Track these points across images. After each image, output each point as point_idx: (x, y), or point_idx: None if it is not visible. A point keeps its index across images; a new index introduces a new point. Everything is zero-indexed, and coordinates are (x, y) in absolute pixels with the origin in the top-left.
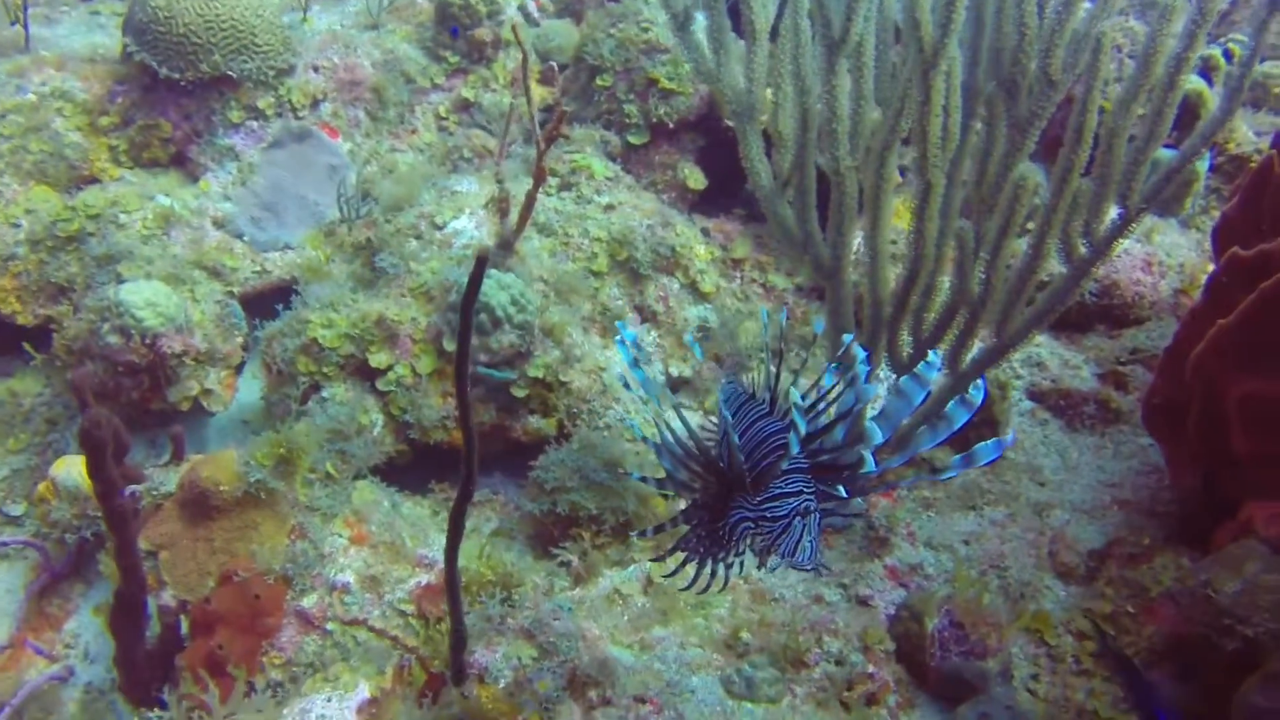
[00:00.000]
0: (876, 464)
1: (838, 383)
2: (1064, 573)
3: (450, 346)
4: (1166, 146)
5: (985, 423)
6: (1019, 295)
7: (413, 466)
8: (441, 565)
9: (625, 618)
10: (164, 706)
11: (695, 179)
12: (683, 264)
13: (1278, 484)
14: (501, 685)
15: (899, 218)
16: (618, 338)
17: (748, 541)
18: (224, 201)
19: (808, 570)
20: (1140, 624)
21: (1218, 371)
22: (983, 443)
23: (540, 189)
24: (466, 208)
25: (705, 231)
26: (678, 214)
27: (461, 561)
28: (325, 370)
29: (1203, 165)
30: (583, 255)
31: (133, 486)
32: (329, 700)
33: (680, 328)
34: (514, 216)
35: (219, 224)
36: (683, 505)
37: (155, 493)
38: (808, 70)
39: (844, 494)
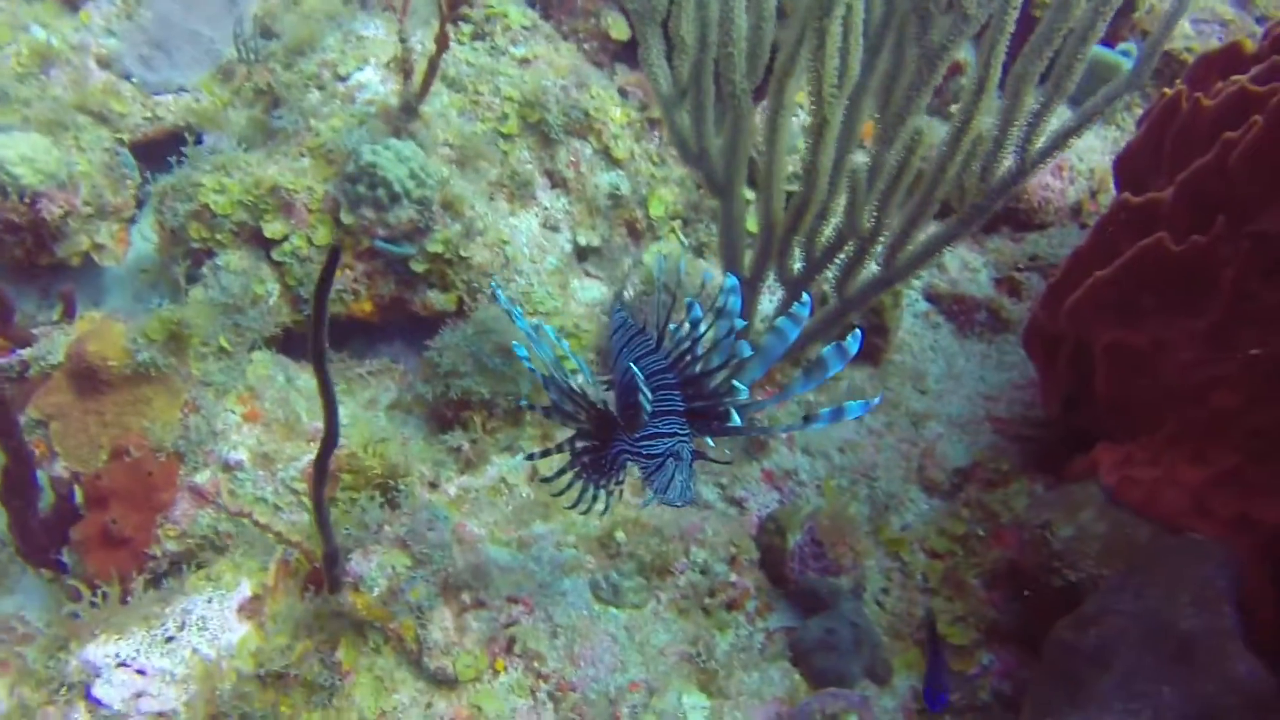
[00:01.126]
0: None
1: (709, 316)
2: (929, 487)
3: (348, 220)
4: (1103, 44)
5: (876, 329)
6: (908, 235)
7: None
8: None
9: (509, 508)
10: (64, 569)
11: (619, 28)
12: (596, 128)
13: (1129, 428)
14: (376, 593)
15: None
16: (493, 296)
17: (626, 470)
18: (108, 37)
19: (678, 506)
20: (988, 547)
21: (1090, 318)
22: (852, 402)
23: (444, 52)
24: (372, 57)
25: (623, 91)
26: (595, 72)
27: (352, 448)
28: (219, 237)
29: (1126, 63)
30: (492, 116)
31: (20, 352)
32: (209, 601)
33: (591, 194)
34: (418, 79)
35: (104, 63)
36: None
37: (43, 362)
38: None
39: (737, 423)
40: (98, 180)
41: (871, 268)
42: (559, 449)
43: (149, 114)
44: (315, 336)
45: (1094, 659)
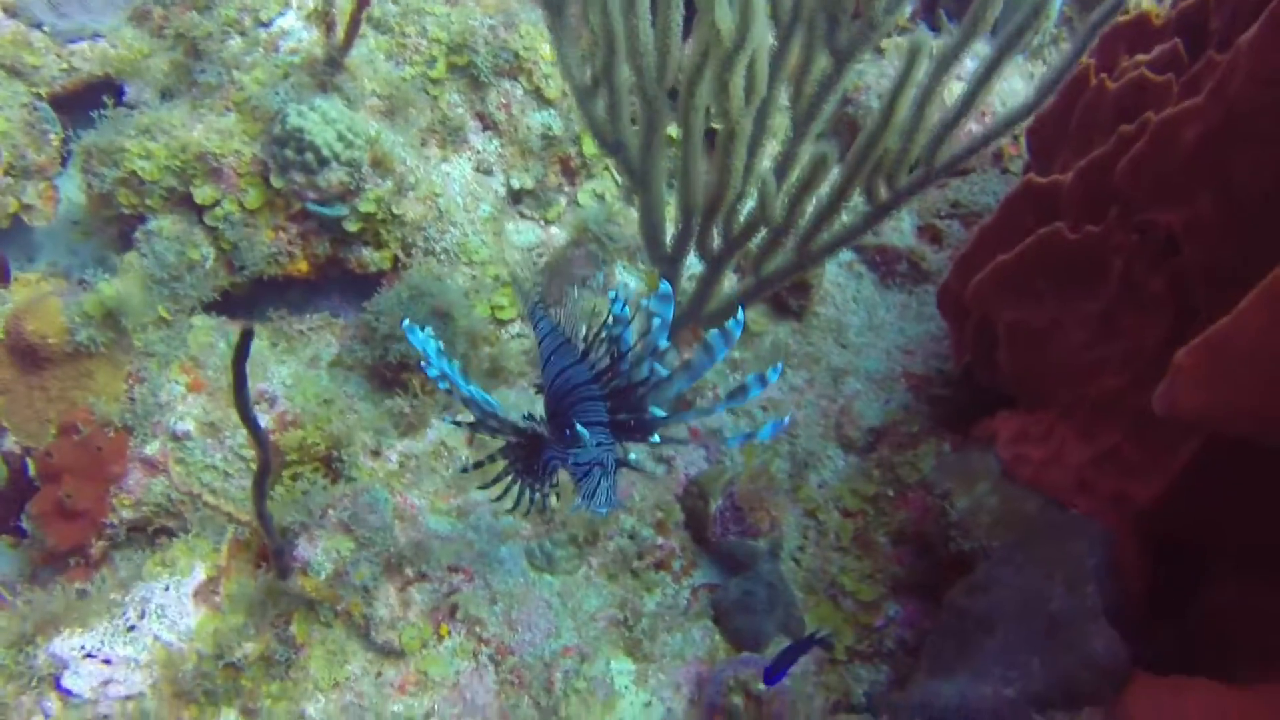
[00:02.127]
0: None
1: (636, 322)
2: (846, 444)
3: (278, 183)
4: None
5: (799, 286)
6: (818, 229)
7: (248, 297)
8: (282, 401)
9: (449, 472)
10: (24, 534)
11: None
12: (526, 68)
13: (1028, 398)
14: (323, 577)
15: None
16: (411, 336)
17: (557, 476)
18: None
19: (602, 514)
20: (895, 507)
21: (993, 298)
22: (766, 424)
23: (366, 7)
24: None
25: None
26: (524, 7)
27: (294, 409)
28: (148, 203)
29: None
30: (420, 59)
31: None
32: (166, 588)
33: (523, 135)
34: (341, 31)
35: (10, 10)
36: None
37: None
38: (608, 6)
39: (657, 440)
40: (18, 139)
41: (787, 250)
42: (493, 458)
43: (65, 65)
44: (240, 397)
45: (981, 623)
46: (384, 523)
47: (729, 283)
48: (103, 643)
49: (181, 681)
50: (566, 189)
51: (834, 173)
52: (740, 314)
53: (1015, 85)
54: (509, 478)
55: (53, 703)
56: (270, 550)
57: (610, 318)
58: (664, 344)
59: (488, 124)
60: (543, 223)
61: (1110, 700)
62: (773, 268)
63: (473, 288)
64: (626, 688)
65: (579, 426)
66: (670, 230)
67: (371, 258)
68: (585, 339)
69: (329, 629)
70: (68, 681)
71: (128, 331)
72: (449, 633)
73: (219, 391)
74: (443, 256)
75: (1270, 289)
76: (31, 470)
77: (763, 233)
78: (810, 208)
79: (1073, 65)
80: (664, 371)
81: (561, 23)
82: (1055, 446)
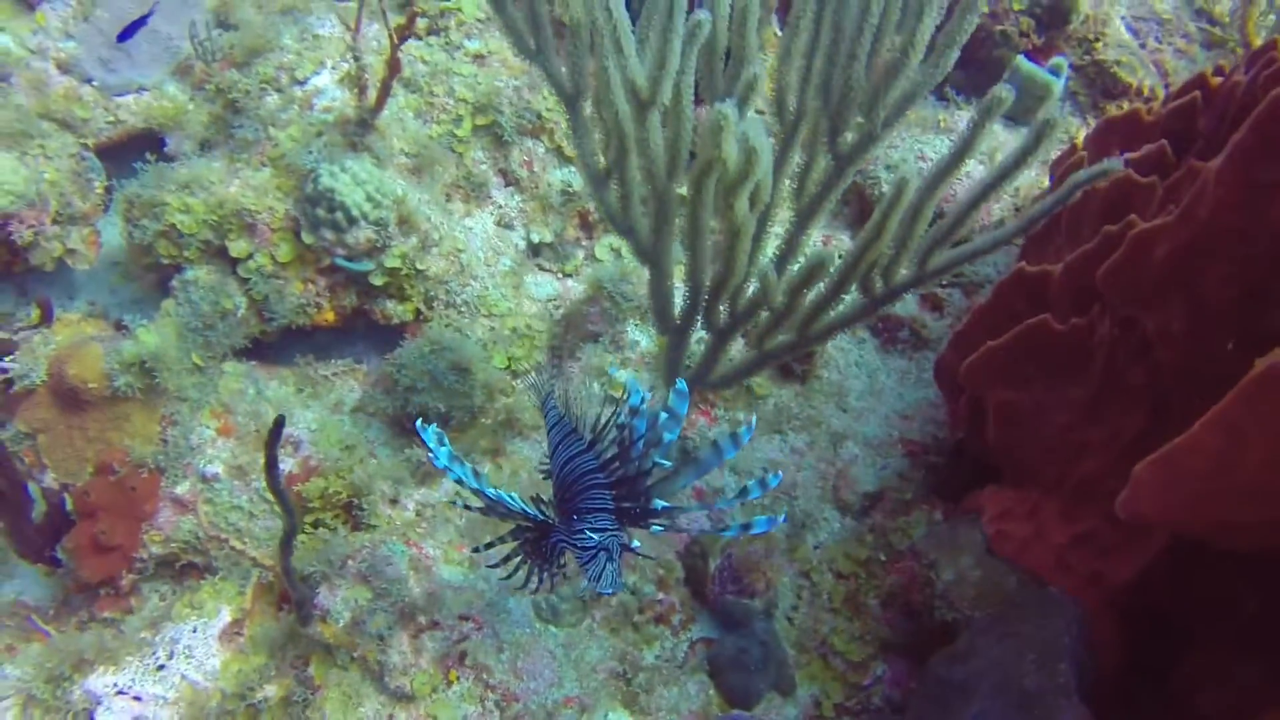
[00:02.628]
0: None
1: (638, 422)
2: (842, 507)
3: (309, 240)
4: (1032, 60)
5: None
6: (816, 316)
7: (277, 345)
8: (306, 445)
9: (462, 521)
10: (59, 564)
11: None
12: (548, 128)
13: (1014, 475)
14: (341, 625)
15: None
16: (418, 426)
17: (564, 558)
18: (66, 40)
19: (608, 594)
20: (886, 572)
21: (983, 378)
22: (760, 516)
23: (397, 75)
24: (328, 59)
25: None
26: None
27: (319, 454)
28: (186, 254)
29: (1057, 83)
30: (448, 118)
31: (3, 362)
32: (194, 630)
33: (544, 191)
34: (372, 95)
35: (64, 67)
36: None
37: (26, 380)
38: (620, 114)
39: (659, 530)
40: (66, 188)
41: (788, 330)
42: (503, 539)
43: (111, 118)
44: (270, 474)
45: (960, 691)
46: (399, 574)
47: (736, 348)
48: (133, 680)
49: (206, 717)
50: (584, 242)
51: (833, 268)
52: (753, 422)
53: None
54: (518, 559)
55: None
56: (294, 600)
57: (626, 407)
58: (671, 438)
59: (510, 180)
60: (560, 275)
61: None
62: (774, 344)
63: (491, 339)
64: None
65: (587, 532)
66: (679, 303)
67: (395, 310)
68: (593, 429)
69: (345, 672)
70: (100, 717)
71: (163, 377)
72: (458, 678)
73: (247, 436)
74: (463, 309)
75: (1223, 414)
76: (69, 505)
77: (765, 314)
78: (809, 298)
79: (1051, 213)
80: (666, 464)
81: (576, 114)
82: (1038, 525)
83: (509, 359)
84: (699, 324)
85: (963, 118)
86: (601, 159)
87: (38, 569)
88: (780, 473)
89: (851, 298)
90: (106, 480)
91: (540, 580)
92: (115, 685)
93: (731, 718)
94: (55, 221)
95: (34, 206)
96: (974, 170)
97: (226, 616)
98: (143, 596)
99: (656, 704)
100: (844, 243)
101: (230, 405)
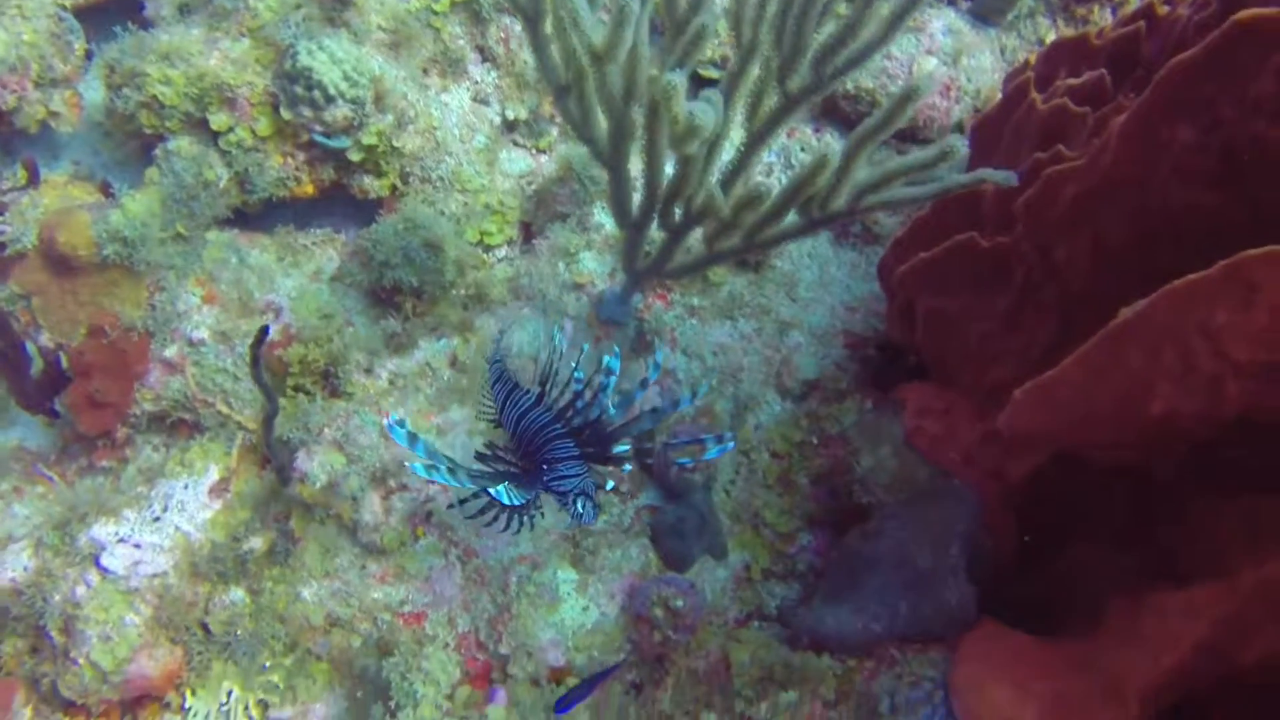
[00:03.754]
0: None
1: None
2: (783, 392)
3: (287, 115)
4: None
5: None
6: (761, 228)
7: (259, 215)
8: (287, 313)
9: (432, 390)
10: (56, 415)
11: None
12: None
13: (936, 374)
14: (318, 486)
15: None
16: (389, 424)
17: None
18: None
19: (591, 526)
20: (816, 454)
21: (914, 285)
22: (713, 446)
23: None
24: None
25: None
26: None
27: (298, 321)
28: (168, 125)
29: None
30: None
31: None
32: (185, 487)
33: (519, 68)
34: None
35: None
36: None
37: (19, 244)
38: (578, 57)
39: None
40: (45, 49)
41: (736, 237)
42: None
43: None
44: (255, 370)
45: (867, 564)
46: (371, 442)
47: (696, 238)
48: (133, 530)
49: (198, 564)
50: (558, 119)
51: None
52: (703, 388)
53: (984, 62)
54: (496, 511)
55: (93, 577)
56: (275, 467)
57: (602, 370)
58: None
59: (487, 56)
60: (534, 151)
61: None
62: (724, 247)
63: (464, 214)
64: (569, 594)
65: (562, 480)
66: (636, 203)
67: (372, 185)
68: (541, 382)
69: (322, 527)
70: (105, 561)
71: (149, 246)
72: (424, 534)
73: (230, 303)
74: (438, 184)
75: (1086, 354)
76: (65, 364)
77: (715, 222)
78: (752, 216)
79: (923, 200)
80: (612, 411)
81: (536, 34)
82: (950, 423)
83: (481, 234)
84: (654, 223)
85: (935, 15)
86: (562, 74)
87: (38, 419)
88: (707, 384)
89: (793, 217)
90: (99, 342)
91: (520, 524)
92: (116, 534)
93: (665, 579)
94: (37, 85)
95: (15, 71)
96: (937, 71)
97: (214, 474)
98: (137, 448)
99: (600, 564)
100: (808, 137)
101: (214, 274)
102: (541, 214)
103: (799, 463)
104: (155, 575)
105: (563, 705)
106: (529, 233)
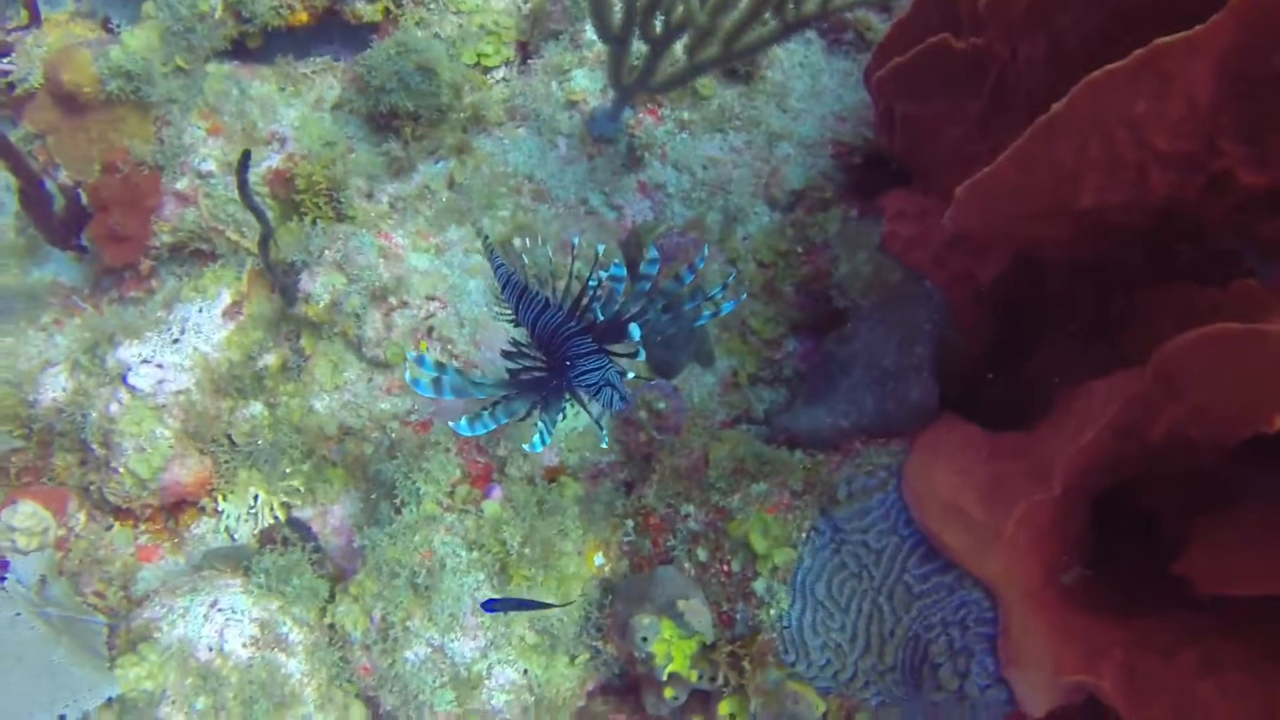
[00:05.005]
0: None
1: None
2: (771, 202)
3: None
4: None
5: None
6: (738, 34)
7: (259, 49)
8: (291, 142)
9: (431, 212)
10: (85, 250)
11: None
12: None
13: (915, 179)
14: (322, 305)
15: None
16: (415, 359)
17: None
18: None
19: (623, 412)
20: (801, 263)
21: (891, 92)
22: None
23: None
24: None
25: None
26: None
27: (302, 149)
28: None
29: None
30: None
31: (2, 62)
32: (200, 310)
33: None
34: None
35: None
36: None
37: (26, 84)
38: None
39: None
40: None
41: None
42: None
43: None
44: (244, 194)
45: (842, 366)
46: (370, 262)
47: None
48: (155, 351)
49: (218, 381)
50: None
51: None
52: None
53: None
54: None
55: (123, 395)
56: (278, 287)
57: (610, 274)
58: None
59: None
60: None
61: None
62: (706, 57)
63: (460, 36)
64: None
65: (585, 374)
66: (617, 14)
67: (365, 9)
68: (553, 290)
69: (330, 344)
70: (132, 379)
71: (152, 80)
72: (426, 348)
73: (235, 134)
74: (432, 6)
75: (1019, 149)
76: (84, 199)
77: (694, 31)
78: (730, 20)
79: None
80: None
81: None
82: (924, 226)
83: (478, 55)
84: (636, 35)
85: None
86: None
87: (68, 255)
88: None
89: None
90: (113, 177)
91: (548, 426)
92: (140, 355)
93: (650, 383)
94: None
95: None
96: None
97: (227, 298)
98: (161, 279)
99: None
100: None
101: (217, 106)
102: (537, 33)
103: (784, 271)
104: (179, 392)
105: (490, 604)
106: (526, 52)
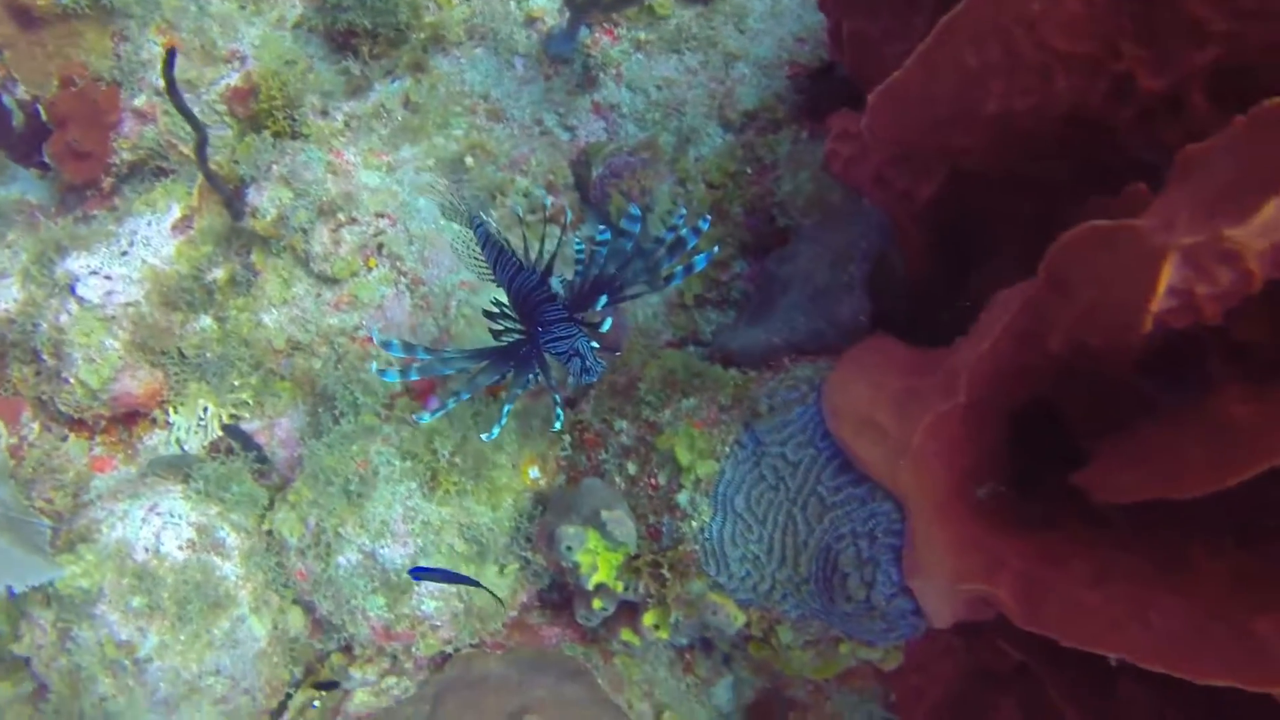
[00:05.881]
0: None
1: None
2: (725, 124)
3: None
4: None
5: None
6: None
7: None
8: (251, 60)
9: (385, 131)
10: (48, 167)
11: None
12: None
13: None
14: (269, 219)
15: None
16: (382, 343)
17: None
18: None
19: (594, 380)
20: (750, 184)
21: (839, 8)
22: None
23: None
24: None
25: None
26: None
27: (261, 68)
28: None
29: None
30: None
31: None
32: (149, 223)
33: None
34: None
35: None
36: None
37: None
38: None
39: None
40: None
41: None
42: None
43: None
44: (173, 94)
45: (782, 284)
46: (317, 177)
47: None
48: (103, 263)
49: (167, 294)
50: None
51: None
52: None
53: None
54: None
55: (72, 305)
56: (223, 199)
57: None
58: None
59: None
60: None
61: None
62: None
63: None
64: None
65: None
66: None
67: None
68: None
69: (280, 259)
70: (80, 290)
71: None
72: (376, 265)
73: (193, 51)
74: None
75: (924, 52)
76: (43, 114)
77: None
78: None
79: None
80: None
81: None
82: (864, 145)
83: None
84: None
85: None
86: None
87: (32, 172)
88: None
89: None
90: (70, 92)
91: (526, 385)
92: (88, 266)
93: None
94: None
95: None
96: None
97: (176, 212)
98: (125, 197)
99: None
100: None
101: (174, 22)
102: None
103: (734, 192)
104: (128, 304)
105: (418, 571)
106: None
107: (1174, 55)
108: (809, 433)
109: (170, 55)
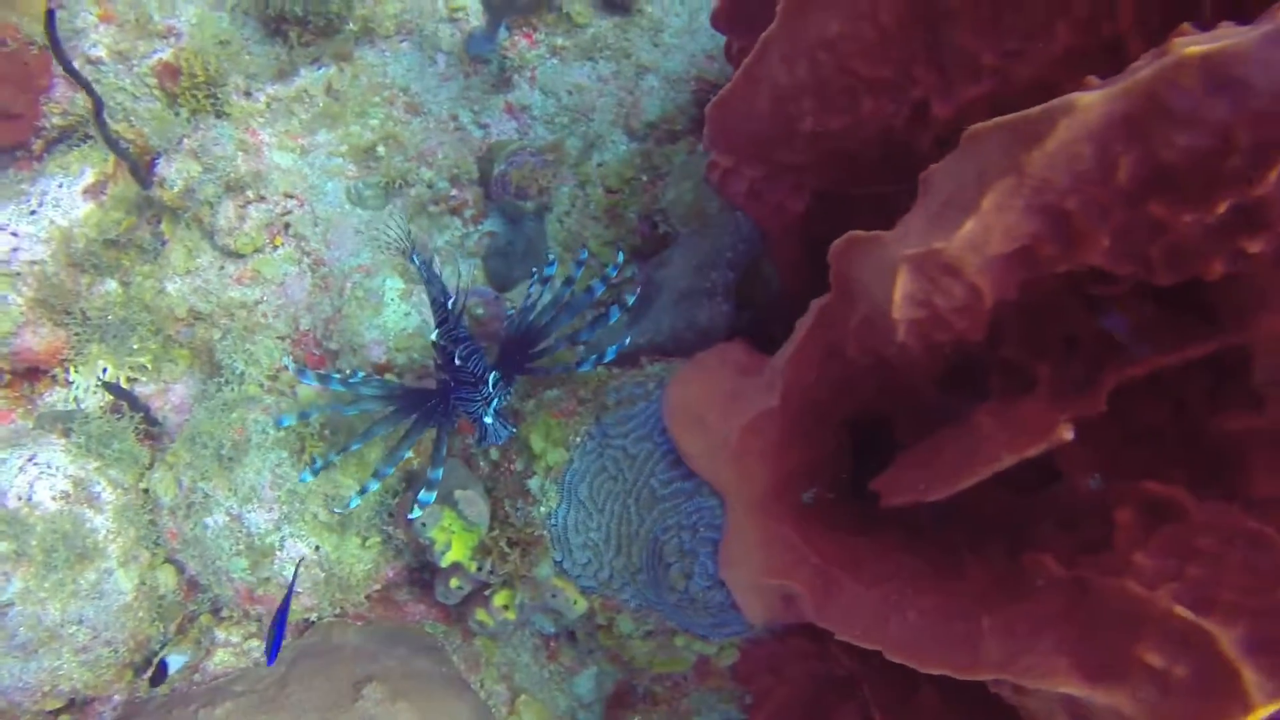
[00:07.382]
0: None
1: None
2: (630, 132)
3: None
4: None
5: None
6: None
7: None
8: (185, 37)
9: (306, 115)
10: None
11: None
12: None
13: None
14: (175, 190)
15: None
16: (296, 371)
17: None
18: None
19: (499, 445)
20: (644, 190)
21: (726, 26)
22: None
23: None
24: None
25: None
26: None
27: (194, 45)
28: None
29: None
30: None
31: None
32: (60, 185)
33: None
34: None
35: None
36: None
37: None
38: None
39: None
40: None
41: None
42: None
43: None
44: (59, 54)
45: (658, 288)
46: (227, 153)
47: None
48: (10, 219)
49: (74, 255)
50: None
51: None
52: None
53: None
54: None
55: None
56: (127, 166)
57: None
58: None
59: None
60: None
61: None
62: None
63: None
64: (393, 300)
65: (476, 406)
66: None
67: None
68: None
69: (188, 230)
70: None
71: None
72: (282, 243)
73: (127, 24)
74: None
75: (747, 70)
76: None
77: None
78: None
79: None
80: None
81: None
82: (736, 162)
83: None
84: None
85: None
86: None
87: None
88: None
89: None
90: (2, 53)
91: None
92: None
93: (475, 290)
94: None
95: None
96: None
97: (89, 177)
98: (56, 159)
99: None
100: None
101: None
102: None
103: (629, 198)
104: (34, 262)
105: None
106: None
107: (956, 85)
108: (648, 428)
109: (50, 15)
